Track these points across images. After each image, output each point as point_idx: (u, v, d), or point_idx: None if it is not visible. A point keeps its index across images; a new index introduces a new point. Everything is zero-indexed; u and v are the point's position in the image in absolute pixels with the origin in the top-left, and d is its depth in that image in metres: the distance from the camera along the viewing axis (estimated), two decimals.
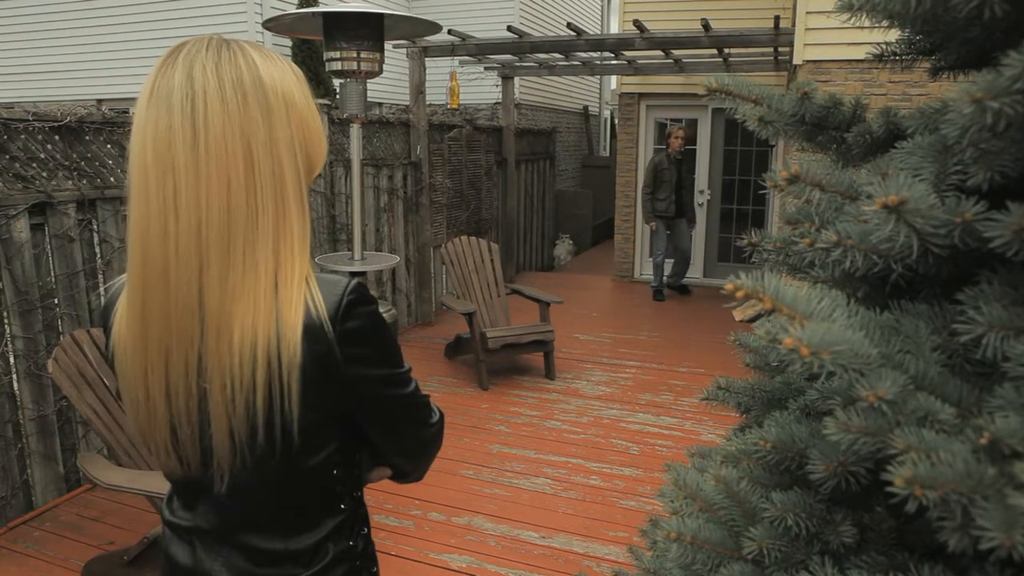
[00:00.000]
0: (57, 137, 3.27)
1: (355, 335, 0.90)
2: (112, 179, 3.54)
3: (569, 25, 6.33)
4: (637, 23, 5.90)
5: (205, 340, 0.85)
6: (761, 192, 8.22)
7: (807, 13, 5.02)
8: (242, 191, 0.83)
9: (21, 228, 3.15)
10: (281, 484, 0.94)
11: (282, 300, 0.85)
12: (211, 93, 0.83)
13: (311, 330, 0.86)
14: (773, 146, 8.02)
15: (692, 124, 8.47)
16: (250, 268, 0.84)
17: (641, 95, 8.55)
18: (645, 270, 8.74)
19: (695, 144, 8.48)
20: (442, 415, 1.11)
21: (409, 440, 1.06)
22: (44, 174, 3.23)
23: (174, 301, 0.84)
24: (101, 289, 3.59)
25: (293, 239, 0.87)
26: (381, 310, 0.97)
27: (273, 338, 0.84)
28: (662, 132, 8.32)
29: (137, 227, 0.85)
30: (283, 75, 0.89)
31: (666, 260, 7.74)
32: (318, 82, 8.04)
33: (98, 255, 3.56)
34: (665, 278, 7.82)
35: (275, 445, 0.89)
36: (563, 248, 10.76)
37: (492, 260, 5.49)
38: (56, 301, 3.35)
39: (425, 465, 1.13)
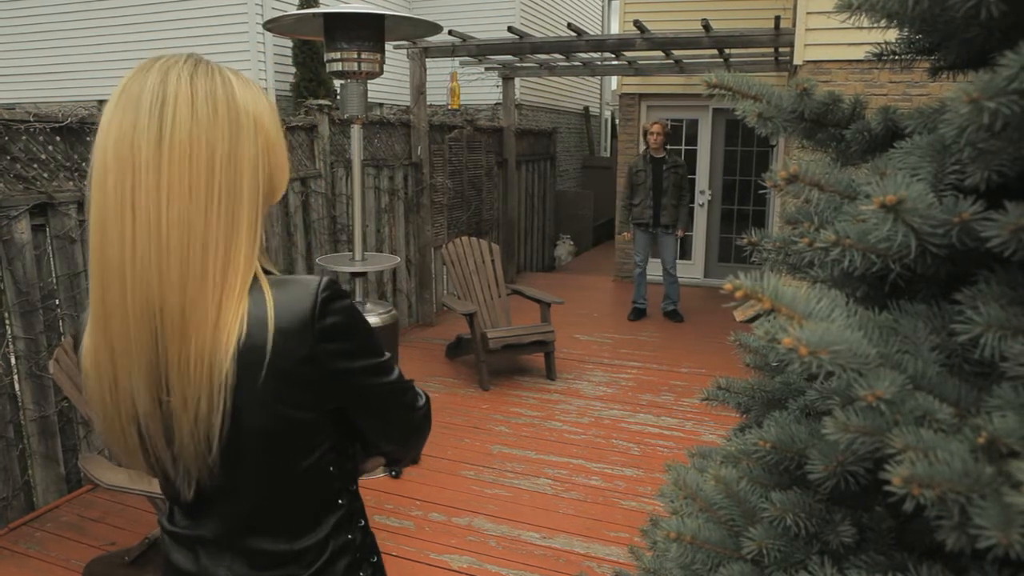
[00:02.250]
0: (58, 138, 3.28)
1: (334, 331, 0.91)
2: None
3: (569, 26, 6.33)
4: (637, 24, 5.90)
5: (165, 350, 0.84)
6: (761, 192, 8.22)
7: (807, 13, 5.02)
8: (201, 199, 0.83)
9: (22, 229, 3.15)
10: (280, 486, 0.96)
11: (224, 311, 0.85)
12: (182, 99, 0.84)
13: (288, 332, 0.87)
14: (774, 146, 8.01)
15: (693, 124, 8.47)
16: (205, 277, 0.84)
17: (642, 95, 8.56)
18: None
19: (695, 144, 8.48)
20: (428, 398, 1.12)
21: (399, 426, 1.08)
22: (45, 175, 3.23)
23: (132, 307, 0.83)
24: None
25: (240, 256, 0.86)
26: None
27: (222, 346, 0.85)
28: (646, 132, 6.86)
29: (95, 227, 0.84)
30: (256, 98, 0.91)
31: (646, 276, 6.76)
32: (319, 83, 8.04)
33: None
34: (659, 304, 6.96)
35: (262, 446, 0.91)
36: (564, 248, 10.76)
37: (493, 261, 5.49)
38: (57, 302, 3.36)
39: (417, 448, 1.15)
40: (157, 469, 0.94)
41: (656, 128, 6.46)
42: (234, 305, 0.85)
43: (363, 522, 1.09)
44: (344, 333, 0.92)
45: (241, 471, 0.92)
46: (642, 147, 7.23)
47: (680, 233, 6.63)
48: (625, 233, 6.76)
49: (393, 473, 3.60)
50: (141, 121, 0.82)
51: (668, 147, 6.66)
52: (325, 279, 0.92)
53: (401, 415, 1.07)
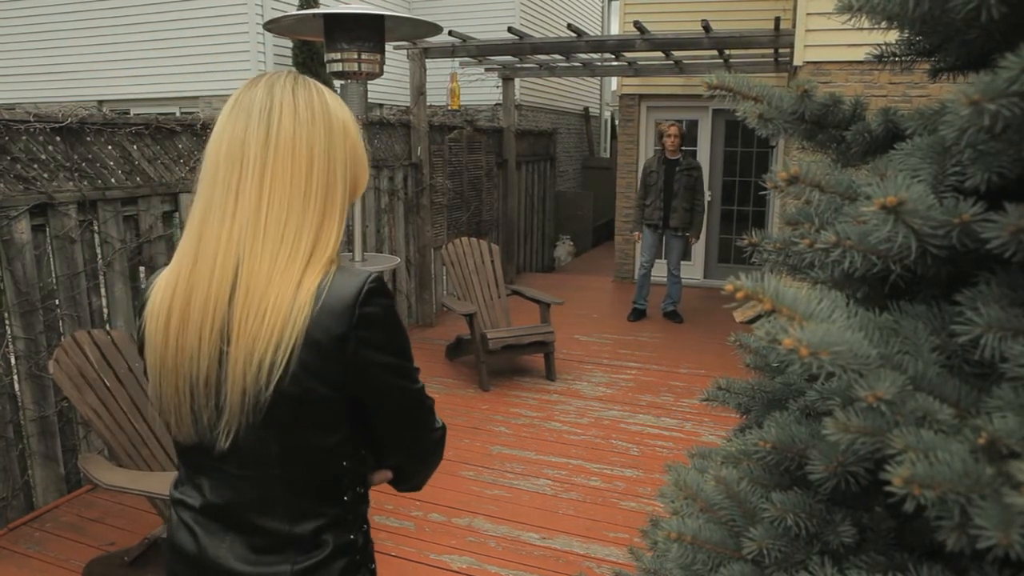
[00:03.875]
0: (58, 138, 3.27)
1: (370, 320, 0.97)
2: (113, 180, 3.54)
3: (569, 26, 6.33)
4: (637, 24, 5.90)
5: (235, 305, 0.94)
6: (761, 193, 8.21)
7: (807, 14, 5.02)
8: (301, 188, 0.97)
9: (22, 229, 3.15)
10: (293, 459, 0.99)
11: (304, 279, 0.96)
12: (286, 106, 0.98)
13: (331, 310, 0.95)
14: (773, 147, 8.01)
15: (692, 125, 8.46)
16: (295, 252, 0.96)
17: (642, 96, 8.55)
18: None
19: (695, 145, 8.48)
20: (444, 426, 1.16)
21: (414, 439, 1.11)
22: (45, 175, 3.23)
23: (220, 270, 0.95)
24: (102, 290, 3.59)
25: (329, 239, 0.99)
26: None
27: (295, 310, 0.94)
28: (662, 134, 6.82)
29: (199, 210, 0.98)
30: (344, 108, 1.05)
31: (650, 277, 6.75)
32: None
33: (99, 256, 3.56)
34: (659, 304, 6.99)
35: (284, 412, 0.96)
36: (563, 249, 10.76)
37: (492, 261, 5.49)
38: (57, 302, 3.36)
39: (425, 472, 1.18)
40: (194, 417, 0.99)
41: (672, 130, 6.41)
42: (317, 276, 0.96)
43: (366, 527, 1.11)
44: (378, 325, 0.99)
45: (265, 434, 0.97)
46: (656, 148, 7.21)
47: (693, 240, 6.60)
48: (637, 233, 6.74)
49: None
50: (252, 125, 0.97)
51: (684, 149, 6.59)
52: (376, 275, 1.01)
53: (418, 427, 1.10)
